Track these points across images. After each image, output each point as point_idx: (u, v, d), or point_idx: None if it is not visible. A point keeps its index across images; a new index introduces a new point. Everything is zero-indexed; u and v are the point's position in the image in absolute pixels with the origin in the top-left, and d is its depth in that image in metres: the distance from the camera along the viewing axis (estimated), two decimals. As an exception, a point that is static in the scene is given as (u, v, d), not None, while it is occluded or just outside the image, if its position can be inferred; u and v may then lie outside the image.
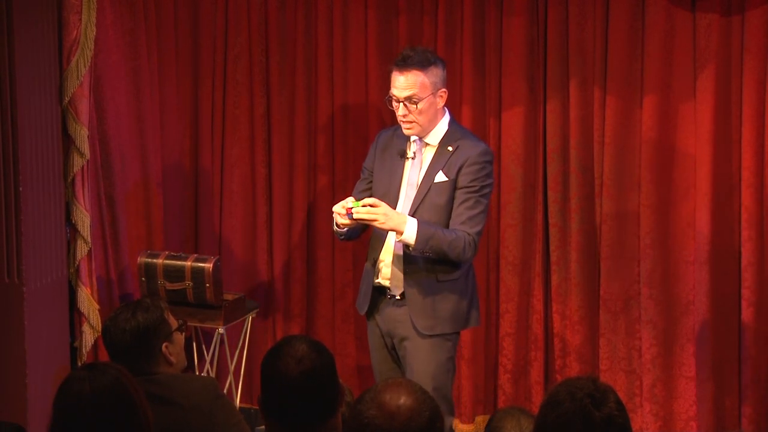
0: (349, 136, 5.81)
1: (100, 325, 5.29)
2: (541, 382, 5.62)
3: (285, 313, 5.98)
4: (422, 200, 4.59)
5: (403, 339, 4.67)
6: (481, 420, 5.66)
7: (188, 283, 5.42)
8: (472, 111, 5.56)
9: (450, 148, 4.62)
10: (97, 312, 5.36)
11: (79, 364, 5.36)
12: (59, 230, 5.22)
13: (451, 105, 5.49)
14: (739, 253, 5.28)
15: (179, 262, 5.44)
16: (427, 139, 4.66)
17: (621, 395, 2.80)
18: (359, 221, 4.51)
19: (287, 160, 5.89)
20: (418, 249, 4.49)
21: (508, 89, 5.53)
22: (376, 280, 4.71)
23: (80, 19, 5.17)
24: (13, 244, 5.02)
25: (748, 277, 5.26)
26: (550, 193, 5.53)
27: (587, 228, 5.49)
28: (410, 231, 4.47)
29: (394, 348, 4.75)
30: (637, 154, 5.38)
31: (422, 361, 4.61)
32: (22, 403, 5.05)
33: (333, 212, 4.58)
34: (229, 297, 5.61)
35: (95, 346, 5.43)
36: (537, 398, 5.57)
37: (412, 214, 4.57)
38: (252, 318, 5.78)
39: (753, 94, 5.19)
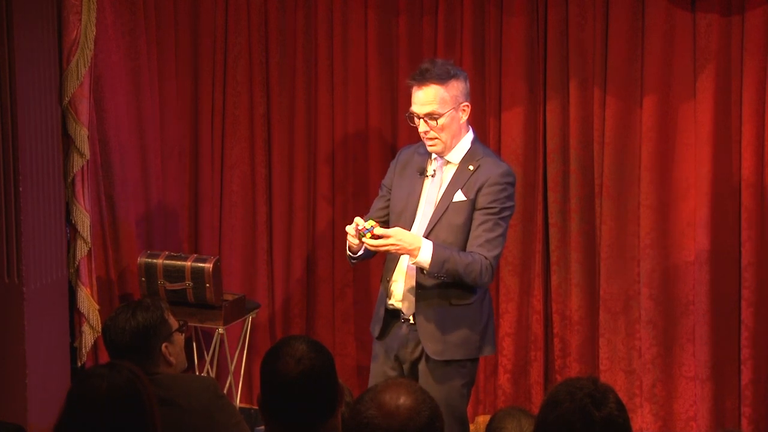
0: (349, 136, 5.80)
1: (99, 325, 5.28)
2: (541, 382, 5.62)
3: (285, 313, 5.97)
4: (439, 219, 4.43)
5: (415, 362, 4.52)
6: (482, 420, 5.65)
7: (188, 283, 5.42)
8: (472, 111, 5.52)
9: (471, 167, 4.45)
10: (96, 312, 5.36)
11: (79, 364, 5.38)
12: (59, 230, 5.22)
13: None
14: (739, 253, 5.27)
15: (179, 262, 5.44)
16: (448, 157, 4.48)
17: (621, 395, 2.80)
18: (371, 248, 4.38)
19: (287, 160, 5.89)
20: (432, 272, 4.32)
21: (508, 89, 5.52)
22: (389, 302, 4.54)
23: (80, 20, 5.17)
24: (13, 244, 5.02)
25: (748, 277, 5.25)
26: (550, 193, 5.52)
27: (587, 228, 5.48)
28: (425, 254, 4.29)
29: (400, 371, 4.56)
30: (637, 154, 5.38)
31: (435, 386, 4.41)
32: (22, 403, 5.05)
33: (347, 233, 4.40)
34: (229, 297, 5.61)
35: (95, 346, 5.43)
36: (537, 398, 5.56)
37: (429, 232, 4.42)
38: (252, 318, 5.78)
39: (753, 94, 5.19)
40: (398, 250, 4.32)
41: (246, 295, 5.79)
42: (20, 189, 5.00)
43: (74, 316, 5.37)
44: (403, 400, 2.67)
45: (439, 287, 4.41)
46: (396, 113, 5.69)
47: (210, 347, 5.71)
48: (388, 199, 4.63)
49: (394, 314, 4.55)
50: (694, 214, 5.32)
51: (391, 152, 5.62)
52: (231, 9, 5.82)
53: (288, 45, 5.81)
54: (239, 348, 5.80)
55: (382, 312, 4.58)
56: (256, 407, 5.73)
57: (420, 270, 4.38)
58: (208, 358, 5.70)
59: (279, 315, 5.98)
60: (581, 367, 5.51)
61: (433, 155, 4.52)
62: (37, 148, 5.07)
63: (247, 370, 5.91)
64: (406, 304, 4.49)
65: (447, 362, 4.45)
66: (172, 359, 3.78)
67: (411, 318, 4.49)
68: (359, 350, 5.89)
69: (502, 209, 4.41)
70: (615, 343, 5.48)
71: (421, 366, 4.50)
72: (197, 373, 5.74)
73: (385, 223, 4.48)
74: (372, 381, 4.66)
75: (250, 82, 5.86)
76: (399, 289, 4.51)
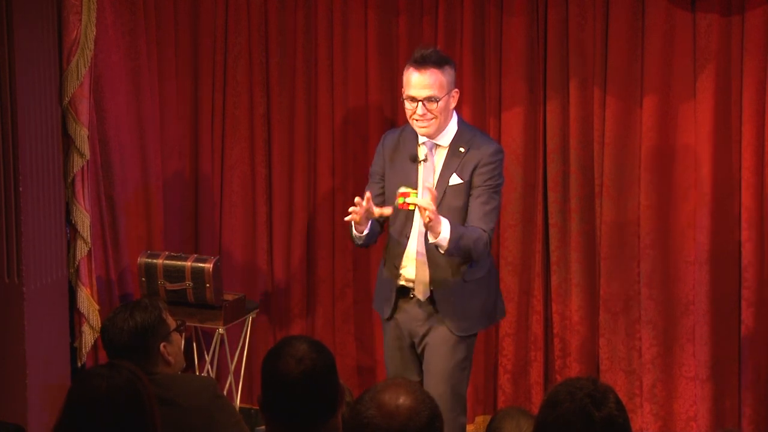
0: (349, 135, 5.80)
1: (99, 325, 5.27)
2: (540, 382, 5.61)
3: (285, 314, 5.97)
4: (439, 204, 4.49)
5: (424, 337, 4.65)
6: (481, 420, 5.65)
7: (188, 283, 5.42)
8: (472, 111, 5.55)
9: (462, 149, 4.57)
10: (96, 312, 5.35)
11: (79, 364, 5.38)
12: (59, 230, 5.22)
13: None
14: (739, 253, 5.26)
15: (179, 263, 5.45)
16: (438, 141, 4.60)
17: (621, 395, 2.80)
18: (405, 207, 4.38)
19: (287, 160, 5.88)
20: (449, 250, 4.43)
21: (508, 89, 5.51)
22: (400, 282, 4.65)
23: (80, 20, 5.17)
24: (13, 244, 5.02)
25: (748, 277, 5.24)
26: (549, 194, 5.51)
27: (587, 228, 5.47)
28: (445, 232, 4.40)
29: (413, 347, 4.71)
30: (637, 155, 5.36)
31: (441, 359, 4.59)
32: (22, 403, 5.05)
33: (351, 214, 4.44)
34: (229, 297, 5.61)
35: (95, 346, 5.42)
36: (537, 398, 5.56)
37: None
38: (252, 318, 5.77)
39: (753, 94, 5.17)
40: (431, 220, 4.34)
41: (246, 295, 5.78)
42: (20, 189, 5.01)
43: (74, 316, 5.36)
44: (402, 400, 2.67)
45: (450, 267, 4.55)
46: (396, 113, 5.68)
47: (210, 347, 5.71)
48: (383, 186, 4.71)
49: (404, 291, 4.65)
50: (694, 214, 5.30)
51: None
52: (231, 9, 5.81)
53: (288, 45, 5.80)
54: (239, 348, 5.79)
55: (391, 293, 4.67)
56: (256, 407, 5.78)
57: (436, 248, 4.46)
58: (208, 358, 5.70)
59: (279, 315, 5.97)
60: (581, 368, 5.51)
61: (420, 140, 4.60)
62: (37, 148, 5.07)
63: (247, 370, 5.90)
64: (419, 287, 4.60)
65: (455, 335, 4.60)
66: (170, 359, 3.78)
67: (422, 299, 4.60)
68: (359, 350, 5.88)
69: (497, 184, 4.60)
70: (615, 344, 5.46)
71: (428, 340, 4.63)
72: (197, 373, 5.73)
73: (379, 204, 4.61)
74: (388, 362, 4.79)
75: (250, 82, 5.85)
76: (410, 273, 4.62)
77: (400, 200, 4.40)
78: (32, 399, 5.07)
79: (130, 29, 5.62)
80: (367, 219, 4.53)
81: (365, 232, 4.59)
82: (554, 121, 5.47)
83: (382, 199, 4.68)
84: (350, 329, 5.90)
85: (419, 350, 4.70)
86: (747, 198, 5.22)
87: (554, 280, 5.55)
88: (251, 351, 5.87)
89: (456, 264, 4.55)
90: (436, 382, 4.59)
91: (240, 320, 5.69)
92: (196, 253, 5.71)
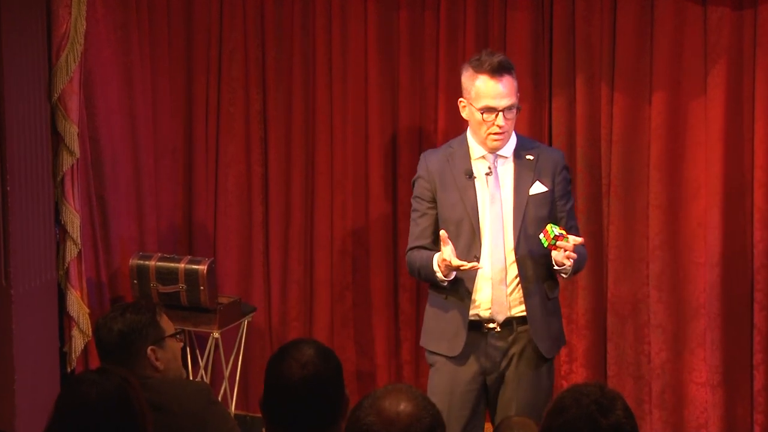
0: (348, 133, 5.76)
1: (90, 329, 5.27)
2: (546, 388, 5.54)
3: (282, 317, 5.93)
4: (524, 215, 4.38)
5: (504, 370, 4.45)
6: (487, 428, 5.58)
7: (181, 285, 5.40)
8: (475, 108, 5.49)
9: (530, 157, 4.45)
10: (87, 316, 5.33)
11: (69, 369, 5.36)
12: (48, 231, 5.19)
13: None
14: (751, 254, 5.22)
15: (172, 264, 5.43)
16: (501, 152, 4.45)
17: (629, 402, 2.76)
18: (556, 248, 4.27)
19: (284, 158, 5.85)
20: (571, 273, 4.39)
21: (512, 86, 5.47)
22: (473, 312, 4.42)
23: (70, 13, 5.14)
24: (0, 245, 4.99)
25: (760, 279, 5.20)
26: (555, 193, 5.46)
27: (594, 229, 5.42)
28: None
29: (484, 385, 4.48)
30: (646, 153, 5.32)
31: (528, 392, 4.42)
32: (10, 408, 5.04)
33: (450, 264, 4.24)
34: (223, 300, 5.59)
35: (85, 350, 5.40)
36: (542, 405, 5.50)
37: (519, 230, 4.37)
38: (248, 322, 5.74)
39: (765, 91, 5.13)
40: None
41: (241, 298, 5.76)
42: (8, 188, 4.98)
43: (64, 319, 5.33)
44: (403, 407, 2.62)
45: (538, 284, 4.43)
46: (396, 111, 5.66)
47: (204, 352, 5.68)
48: (436, 212, 4.48)
49: (474, 326, 4.44)
50: (705, 214, 5.27)
51: (392, 151, 5.60)
52: (226, 2, 5.80)
53: (285, 39, 5.77)
54: (234, 353, 5.76)
55: (463, 326, 4.42)
56: (251, 414, 5.81)
57: (559, 274, 4.39)
58: (202, 364, 5.68)
59: (276, 318, 5.94)
60: (588, 373, 5.47)
61: (478, 154, 4.45)
62: (26, 146, 5.04)
63: (243, 375, 5.86)
64: (495, 308, 4.42)
65: (539, 362, 4.45)
66: (158, 364, 3.72)
67: (498, 325, 4.42)
68: (358, 354, 5.86)
69: (571, 193, 4.58)
70: (623, 348, 5.43)
71: (512, 371, 4.44)
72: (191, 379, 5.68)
73: (435, 235, 4.44)
74: (457, 409, 4.46)
75: (246, 78, 5.83)
76: (485, 296, 4.43)
77: (552, 241, 4.21)
78: (20, 405, 5.05)
79: (121, 24, 5.62)
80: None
81: (452, 276, 4.38)
82: (560, 118, 5.44)
83: (435, 227, 4.49)
84: (349, 333, 5.86)
85: (493, 386, 4.48)
86: (759, 197, 5.19)
87: (560, 282, 5.45)
88: (247, 356, 5.84)
89: (543, 280, 4.43)
90: (524, 415, 4.38)
91: (235, 324, 5.65)
92: (189, 255, 5.69)
